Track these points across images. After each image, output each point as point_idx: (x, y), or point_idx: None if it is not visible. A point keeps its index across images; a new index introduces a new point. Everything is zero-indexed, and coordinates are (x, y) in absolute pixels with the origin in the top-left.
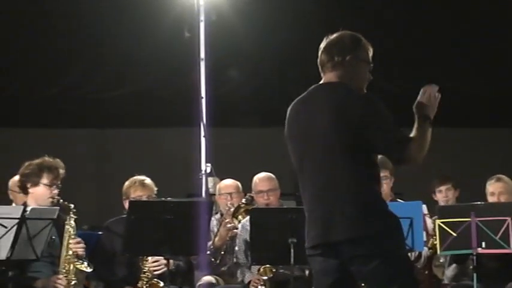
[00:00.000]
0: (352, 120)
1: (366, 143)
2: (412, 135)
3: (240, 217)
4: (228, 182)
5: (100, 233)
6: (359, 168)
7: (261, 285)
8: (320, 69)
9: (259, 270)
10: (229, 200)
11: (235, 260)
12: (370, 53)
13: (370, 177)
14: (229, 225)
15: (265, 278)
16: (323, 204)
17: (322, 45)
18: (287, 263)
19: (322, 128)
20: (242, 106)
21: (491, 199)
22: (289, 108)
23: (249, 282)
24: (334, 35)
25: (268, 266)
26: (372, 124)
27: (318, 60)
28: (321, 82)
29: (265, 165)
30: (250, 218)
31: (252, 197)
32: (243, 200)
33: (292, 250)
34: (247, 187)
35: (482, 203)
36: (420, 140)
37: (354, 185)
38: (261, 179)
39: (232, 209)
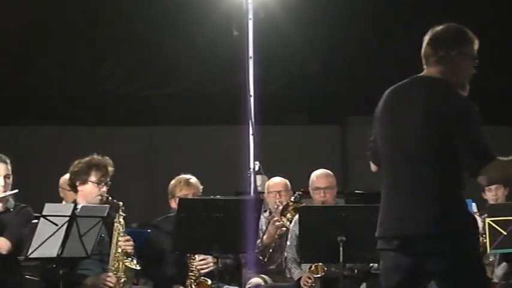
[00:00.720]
0: (445, 119)
1: (453, 143)
2: (501, 158)
3: (288, 215)
4: (277, 180)
5: (149, 230)
6: (446, 167)
7: (312, 283)
8: (423, 61)
9: (310, 267)
10: (278, 198)
11: (285, 254)
12: (476, 47)
13: (455, 177)
14: (277, 224)
15: (317, 276)
16: (405, 197)
17: (427, 37)
18: (336, 262)
19: (415, 122)
20: (290, 104)
21: None
22: (385, 93)
23: (299, 279)
24: (440, 28)
25: (320, 264)
26: (463, 128)
27: (422, 51)
28: (422, 74)
29: (313, 164)
30: (299, 216)
31: (301, 195)
32: (292, 198)
33: (341, 248)
34: (295, 185)
35: None
36: (503, 167)
37: (439, 183)
38: (319, 175)
39: (280, 207)
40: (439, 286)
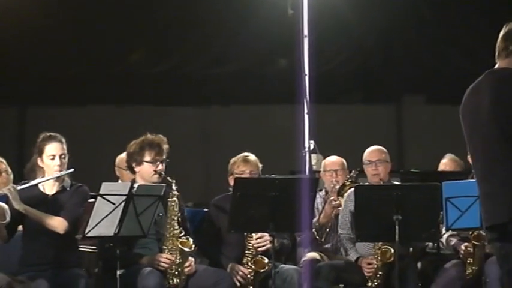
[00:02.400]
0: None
1: None
2: None
3: (345, 194)
4: (333, 159)
5: (206, 209)
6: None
7: (369, 265)
8: (496, 54)
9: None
10: (334, 177)
11: (339, 231)
12: None
13: None
14: (334, 203)
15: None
16: (484, 188)
17: (502, 32)
18: (392, 240)
19: (484, 114)
20: (345, 83)
21: None
22: (469, 88)
23: (356, 260)
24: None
25: (388, 248)
26: None
27: (497, 43)
28: (495, 68)
29: (368, 142)
30: (355, 195)
31: (357, 175)
32: (348, 177)
33: (397, 227)
34: (350, 164)
35: None
36: None
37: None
38: (372, 150)
39: (337, 186)
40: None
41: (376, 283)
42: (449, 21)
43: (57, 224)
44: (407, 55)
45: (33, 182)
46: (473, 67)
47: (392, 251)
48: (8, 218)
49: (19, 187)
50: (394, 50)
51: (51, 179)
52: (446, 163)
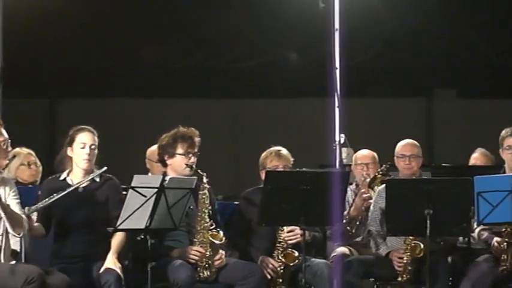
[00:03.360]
0: None
1: None
2: None
3: (375, 188)
4: (365, 152)
5: (236, 202)
6: None
7: (400, 260)
8: None
9: (406, 249)
10: (365, 170)
11: (369, 227)
12: None
13: None
14: (365, 196)
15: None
16: None
17: None
18: (423, 235)
19: None
20: (376, 76)
21: None
22: None
23: (387, 254)
24: None
25: (419, 244)
26: None
27: None
28: None
29: (399, 136)
30: (386, 189)
31: (388, 168)
32: (379, 171)
33: (428, 222)
34: (381, 158)
35: None
36: None
37: None
38: (405, 144)
39: (368, 180)
40: None
41: (406, 277)
42: (481, 15)
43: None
44: (438, 49)
45: (49, 200)
46: (505, 61)
47: (422, 246)
48: (23, 232)
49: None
50: (425, 44)
51: (77, 186)
52: (477, 157)
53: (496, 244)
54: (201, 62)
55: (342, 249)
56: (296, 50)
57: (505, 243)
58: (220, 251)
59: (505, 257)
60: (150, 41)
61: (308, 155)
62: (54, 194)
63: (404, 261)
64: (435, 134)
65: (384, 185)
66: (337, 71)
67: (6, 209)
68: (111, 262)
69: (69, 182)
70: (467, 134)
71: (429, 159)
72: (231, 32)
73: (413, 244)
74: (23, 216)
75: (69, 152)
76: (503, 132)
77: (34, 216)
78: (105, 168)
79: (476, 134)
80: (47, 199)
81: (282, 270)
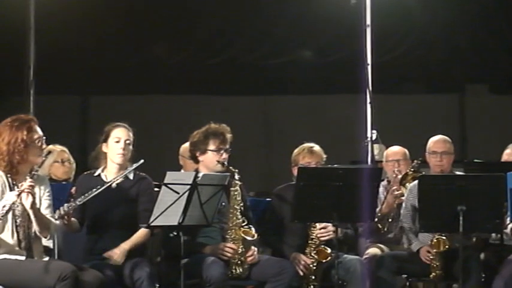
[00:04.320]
0: None
1: None
2: None
3: (407, 184)
4: (396, 149)
5: (268, 199)
6: None
7: (432, 256)
8: None
9: (432, 241)
10: (397, 167)
11: (401, 224)
12: None
13: None
14: (396, 193)
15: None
16: None
17: None
18: (455, 231)
19: None
20: (408, 72)
21: None
22: None
23: (418, 250)
24: None
25: (443, 237)
26: None
27: None
28: None
29: (431, 132)
30: (419, 185)
31: (419, 165)
32: (411, 167)
33: (461, 218)
34: (413, 154)
35: None
36: None
37: None
38: (437, 140)
39: (399, 176)
40: None
41: (438, 274)
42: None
43: (143, 236)
44: (471, 44)
45: (85, 198)
46: None
47: (446, 240)
48: (49, 235)
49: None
50: (457, 39)
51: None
52: (510, 153)
53: None
54: (232, 58)
55: (374, 251)
56: (327, 46)
57: None
58: (253, 247)
59: None
60: (181, 39)
61: (340, 151)
62: (90, 191)
63: (431, 256)
64: (468, 130)
65: (415, 182)
66: (369, 67)
67: (37, 213)
68: (115, 250)
69: (104, 178)
70: (500, 130)
71: (461, 155)
72: (261, 29)
73: (436, 239)
74: (51, 220)
75: (104, 148)
76: None
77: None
78: (142, 161)
79: (509, 129)
80: (82, 197)
81: (314, 267)
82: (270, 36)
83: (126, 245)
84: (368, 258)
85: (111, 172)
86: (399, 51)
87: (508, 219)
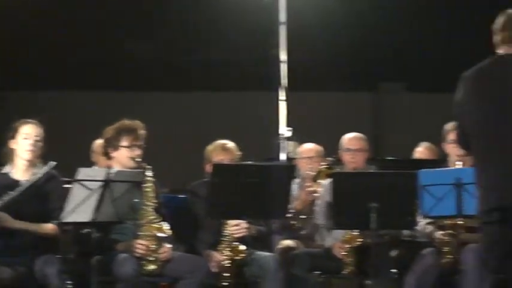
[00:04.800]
0: None
1: None
2: None
3: (321, 181)
4: (310, 146)
5: (182, 196)
6: None
7: (345, 252)
8: (504, 40)
9: (344, 237)
10: (310, 164)
11: (314, 220)
12: None
13: None
14: (310, 189)
15: (351, 246)
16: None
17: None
18: (368, 228)
19: None
20: (324, 70)
21: None
22: (469, 76)
23: (330, 246)
24: None
25: (355, 233)
26: None
27: (504, 34)
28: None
29: (345, 130)
30: (332, 182)
31: (333, 161)
32: (324, 164)
33: (373, 215)
34: (327, 152)
35: None
36: None
37: None
38: (351, 137)
39: (313, 173)
40: None
41: (350, 270)
42: (430, 10)
43: (50, 230)
44: (387, 42)
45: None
46: (453, 56)
47: (358, 237)
48: None
49: None
50: (374, 37)
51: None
52: (421, 151)
53: (439, 237)
54: (151, 55)
55: (287, 243)
56: (243, 43)
57: (448, 236)
58: (166, 244)
59: (448, 249)
60: (100, 34)
61: (256, 148)
62: (7, 195)
63: (345, 252)
64: (382, 128)
65: (330, 179)
66: (283, 65)
67: None
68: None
69: (12, 175)
70: (413, 128)
71: (375, 152)
72: (179, 27)
73: (349, 235)
74: None
75: (12, 144)
76: (447, 125)
77: None
78: (54, 163)
79: (423, 128)
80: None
81: (228, 264)
82: (189, 34)
83: (19, 224)
84: (281, 249)
85: (19, 169)
86: (315, 48)
87: (420, 216)
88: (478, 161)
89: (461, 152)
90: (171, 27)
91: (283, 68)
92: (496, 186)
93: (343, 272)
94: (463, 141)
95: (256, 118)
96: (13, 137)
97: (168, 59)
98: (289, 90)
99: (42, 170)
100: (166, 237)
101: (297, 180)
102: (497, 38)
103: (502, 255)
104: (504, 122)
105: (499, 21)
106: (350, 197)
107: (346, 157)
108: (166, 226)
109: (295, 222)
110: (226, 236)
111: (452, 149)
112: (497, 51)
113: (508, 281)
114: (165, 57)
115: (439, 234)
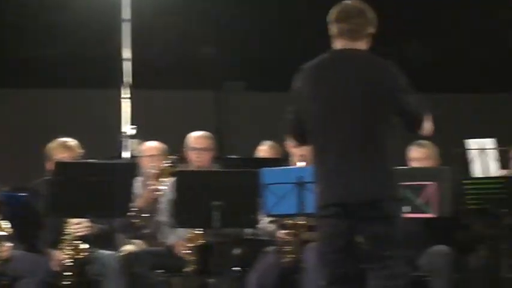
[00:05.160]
0: (385, 90)
1: (391, 113)
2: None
3: (164, 179)
4: (152, 144)
5: (23, 194)
6: (385, 138)
7: (186, 251)
8: (340, 35)
9: (187, 236)
10: (153, 162)
11: (159, 218)
12: None
13: (391, 147)
14: (152, 188)
15: (193, 245)
16: (346, 167)
17: (345, 13)
18: (211, 227)
19: (356, 95)
20: (168, 68)
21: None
22: (308, 68)
23: (173, 245)
24: (358, 5)
25: (198, 232)
26: (401, 96)
27: (334, 25)
28: (346, 47)
29: (188, 128)
30: (176, 180)
31: (177, 160)
32: (168, 162)
33: (215, 213)
34: (171, 150)
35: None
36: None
37: (379, 153)
38: (197, 136)
39: (156, 171)
40: (369, 244)
41: (193, 268)
42: (270, 9)
43: None
44: (229, 41)
45: None
46: (293, 55)
47: (201, 235)
48: None
49: None
50: (216, 36)
51: None
52: (265, 150)
53: (281, 236)
54: None
55: (129, 248)
56: (87, 40)
57: (289, 235)
58: (6, 243)
59: (290, 248)
60: None
61: (99, 146)
62: None
63: (187, 251)
64: (225, 127)
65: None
66: (126, 63)
67: None
68: None
69: None
70: (256, 127)
71: (219, 151)
72: (18, 21)
73: (192, 234)
74: None
75: None
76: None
77: None
78: None
79: (266, 126)
80: None
81: (70, 263)
82: (28, 29)
83: None
84: (123, 254)
85: None
86: (158, 46)
87: (263, 214)
88: (315, 155)
89: (303, 151)
90: (8, 22)
91: (126, 66)
92: (332, 181)
93: (186, 271)
94: (295, 131)
95: (100, 116)
96: None
97: (3, 55)
98: (133, 88)
99: None
100: (6, 235)
101: (139, 179)
102: (333, 29)
103: (338, 249)
104: (337, 118)
105: (334, 11)
106: (193, 196)
107: (192, 156)
108: (6, 224)
109: (137, 221)
110: (67, 234)
111: (295, 148)
112: (335, 43)
113: (343, 274)
114: (5, 52)
115: (281, 233)
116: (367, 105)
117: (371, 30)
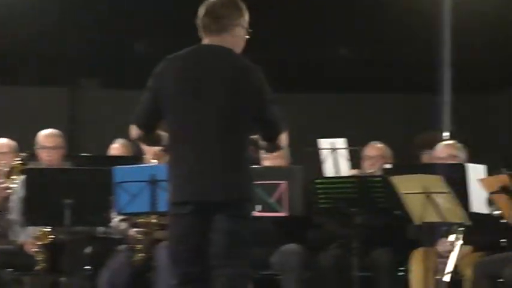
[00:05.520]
0: (246, 91)
1: (251, 114)
2: None
3: (14, 177)
4: (2, 141)
5: None
6: (244, 138)
7: (37, 249)
8: (203, 30)
9: (35, 235)
10: (3, 159)
11: (9, 216)
12: (248, 19)
13: (248, 148)
14: (3, 186)
15: (43, 243)
16: (203, 166)
17: (205, 8)
18: (62, 225)
19: (217, 93)
20: (19, 63)
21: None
22: (169, 61)
23: (23, 243)
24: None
25: (46, 229)
26: (263, 99)
27: (201, 20)
28: (208, 43)
29: (41, 125)
30: (26, 178)
31: (27, 157)
32: (18, 160)
33: (67, 211)
34: (22, 147)
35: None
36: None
37: (237, 153)
38: (46, 135)
39: (6, 169)
40: (218, 242)
41: (43, 267)
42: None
43: None
44: (83, 38)
45: None
46: (149, 52)
47: (50, 233)
48: None
49: None
50: (69, 33)
51: None
52: (117, 148)
53: (132, 234)
54: None
55: None
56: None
57: (141, 234)
58: None
59: (141, 247)
60: None
61: None
62: None
63: (37, 249)
64: (78, 124)
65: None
66: None
67: None
68: None
69: None
70: (110, 125)
71: (71, 149)
72: None
73: (41, 231)
74: None
75: None
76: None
77: None
78: None
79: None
80: None
81: None
82: None
83: None
84: None
85: None
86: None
87: (115, 213)
88: (171, 151)
89: (157, 149)
90: None
91: None
92: (188, 179)
93: (36, 269)
94: (142, 120)
95: None
96: None
97: None
98: None
99: None
100: None
101: None
102: (199, 25)
103: (191, 248)
104: (197, 114)
105: (201, 7)
106: (44, 193)
107: (42, 154)
108: None
109: None
110: None
111: (148, 147)
112: (203, 38)
113: (195, 273)
114: None
115: (132, 231)
116: (228, 104)
117: (237, 23)
